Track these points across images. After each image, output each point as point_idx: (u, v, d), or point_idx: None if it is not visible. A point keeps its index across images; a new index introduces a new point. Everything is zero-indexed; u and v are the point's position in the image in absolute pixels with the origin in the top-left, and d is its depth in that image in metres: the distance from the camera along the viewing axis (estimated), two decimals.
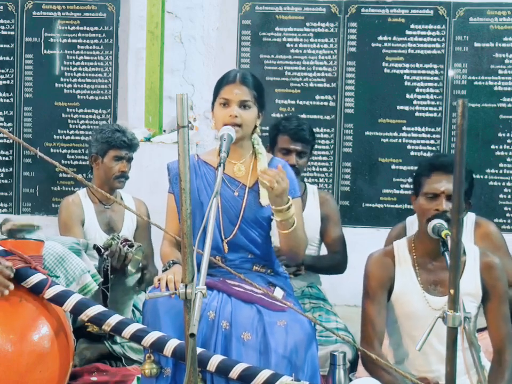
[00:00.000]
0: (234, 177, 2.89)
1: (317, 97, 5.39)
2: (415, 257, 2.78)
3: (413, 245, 2.79)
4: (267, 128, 3.86)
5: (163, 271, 2.80)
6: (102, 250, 3.46)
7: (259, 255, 2.90)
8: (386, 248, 2.89)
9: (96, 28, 5.47)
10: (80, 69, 5.49)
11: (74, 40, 5.49)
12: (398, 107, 5.33)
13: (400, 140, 5.34)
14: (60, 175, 5.47)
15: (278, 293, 2.78)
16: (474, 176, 3.26)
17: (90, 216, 3.89)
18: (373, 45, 5.34)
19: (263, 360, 2.58)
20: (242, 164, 2.90)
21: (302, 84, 5.40)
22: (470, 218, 3.40)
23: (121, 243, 3.50)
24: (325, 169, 5.39)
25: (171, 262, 2.79)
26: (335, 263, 3.74)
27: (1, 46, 5.51)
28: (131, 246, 3.52)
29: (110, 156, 3.88)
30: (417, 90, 5.31)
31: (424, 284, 2.75)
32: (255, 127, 2.90)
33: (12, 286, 2.60)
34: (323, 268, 3.74)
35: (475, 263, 2.75)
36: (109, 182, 3.86)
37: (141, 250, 3.57)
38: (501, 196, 5.26)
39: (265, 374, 2.45)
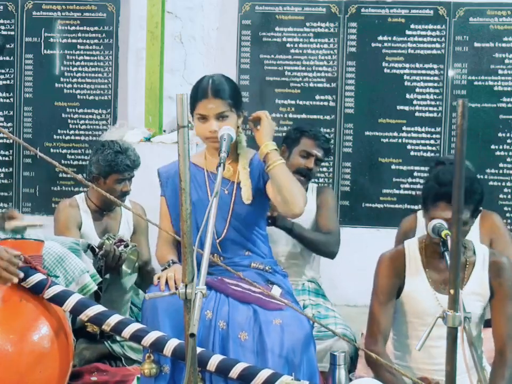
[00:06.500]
0: (223, 176, 2.85)
1: (317, 97, 5.39)
2: (425, 256, 2.81)
3: (423, 244, 2.81)
4: None
5: (162, 270, 2.79)
6: (97, 250, 3.46)
7: (256, 252, 2.90)
8: (398, 247, 2.93)
9: (96, 28, 5.47)
10: (80, 69, 5.49)
11: (74, 40, 5.49)
12: (398, 107, 5.33)
13: (400, 140, 5.34)
14: (60, 175, 5.47)
15: (276, 291, 2.78)
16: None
17: (87, 222, 3.85)
18: (373, 45, 5.34)
19: (260, 360, 2.58)
20: (230, 165, 2.88)
21: (302, 84, 5.40)
22: None
23: (116, 243, 3.50)
24: (325, 169, 5.38)
25: (170, 261, 2.79)
26: (326, 240, 3.62)
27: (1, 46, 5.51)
28: (126, 246, 3.51)
29: (113, 178, 3.75)
30: (417, 90, 5.31)
31: (435, 283, 2.77)
32: (238, 127, 2.87)
33: (21, 274, 2.60)
34: (312, 242, 3.59)
35: (484, 262, 2.77)
36: (109, 200, 3.56)
37: (136, 250, 3.56)
38: (501, 196, 5.26)
39: (265, 373, 2.45)
